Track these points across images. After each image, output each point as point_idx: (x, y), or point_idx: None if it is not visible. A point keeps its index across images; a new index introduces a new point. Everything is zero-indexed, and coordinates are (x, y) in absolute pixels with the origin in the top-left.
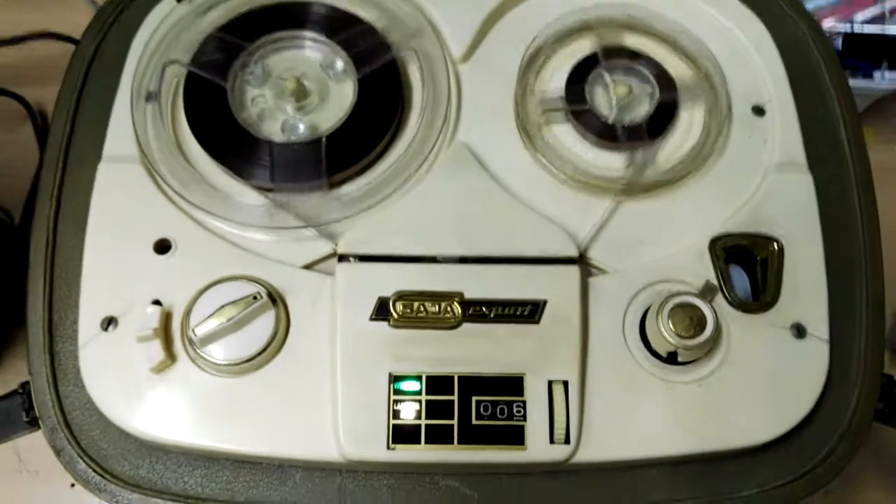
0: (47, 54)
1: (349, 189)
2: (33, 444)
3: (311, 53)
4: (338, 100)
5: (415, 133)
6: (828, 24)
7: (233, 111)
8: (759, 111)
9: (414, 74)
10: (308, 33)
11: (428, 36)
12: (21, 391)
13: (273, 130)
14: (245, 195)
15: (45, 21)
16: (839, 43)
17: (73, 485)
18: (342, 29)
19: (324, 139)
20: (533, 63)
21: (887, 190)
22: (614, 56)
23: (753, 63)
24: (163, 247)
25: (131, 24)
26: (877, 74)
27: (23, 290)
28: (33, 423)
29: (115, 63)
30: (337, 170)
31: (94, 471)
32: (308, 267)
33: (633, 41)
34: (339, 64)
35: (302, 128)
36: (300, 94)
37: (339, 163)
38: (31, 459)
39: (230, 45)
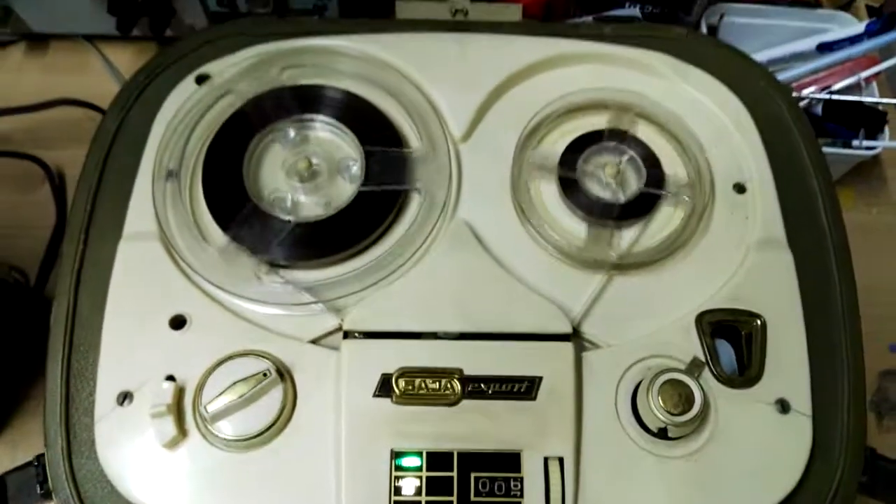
0: (66, 118)
1: (355, 265)
2: None
3: (334, 139)
4: (344, 182)
5: (417, 211)
6: (808, 91)
7: (246, 188)
8: (740, 189)
9: (416, 153)
10: (341, 125)
11: (429, 116)
12: (36, 463)
13: (282, 208)
14: (257, 272)
15: (65, 85)
16: (819, 109)
17: None
18: (372, 132)
19: (332, 217)
20: (529, 141)
21: (868, 250)
22: (587, 143)
23: (734, 141)
24: (178, 322)
25: (153, 102)
26: (855, 142)
27: (36, 351)
28: (47, 496)
29: (137, 141)
30: (343, 247)
31: None
32: (315, 341)
33: (625, 124)
34: (355, 170)
35: (309, 207)
36: (310, 174)
37: (345, 240)
38: None
39: (284, 105)
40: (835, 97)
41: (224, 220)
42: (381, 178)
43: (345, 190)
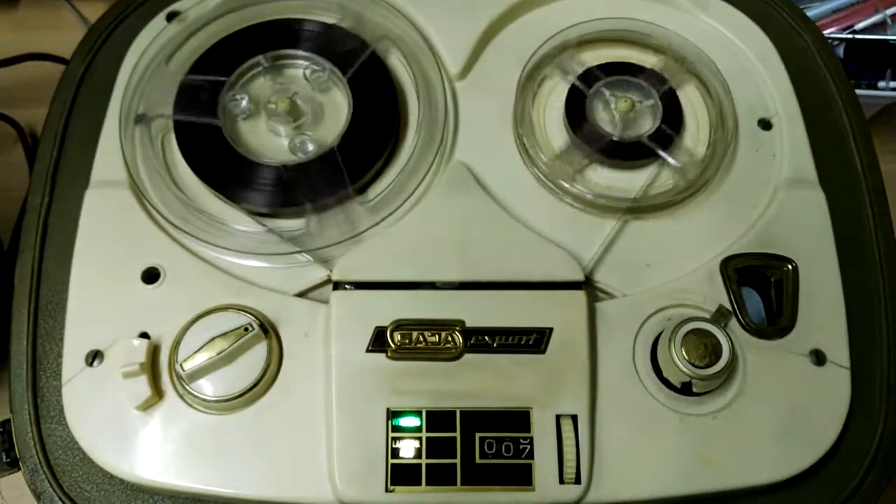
0: (39, 75)
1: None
2: (17, 482)
3: (292, 71)
4: (332, 117)
5: (411, 152)
6: (829, 32)
7: (226, 137)
8: (765, 125)
9: (410, 93)
10: (286, 51)
11: (423, 52)
12: (1, 430)
13: (264, 151)
14: (237, 220)
15: (38, 42)
16: (841, 51)
17: None
18: (312, 39)
19: (318, 159)
20: (532, 79)
21: (893, 201)
22: (620, 71)
23: (758, 76)
24: (151, 276)
25: (121, 45)
26: (881, 83)
27: (8, 319)
28: (13, 464)
29: (104, 85)
30: (331, 192)
31: None
32: (301, 295)
33: (633, 56)
34: (324, 74)
35: (293, 149)
36: (293, 114)
37: (333, 184)
38: (14, 498)
39: (211, 84)
40: (858, 37)
41: (201, 167)
42: (345, 55)
43: (331, 131)
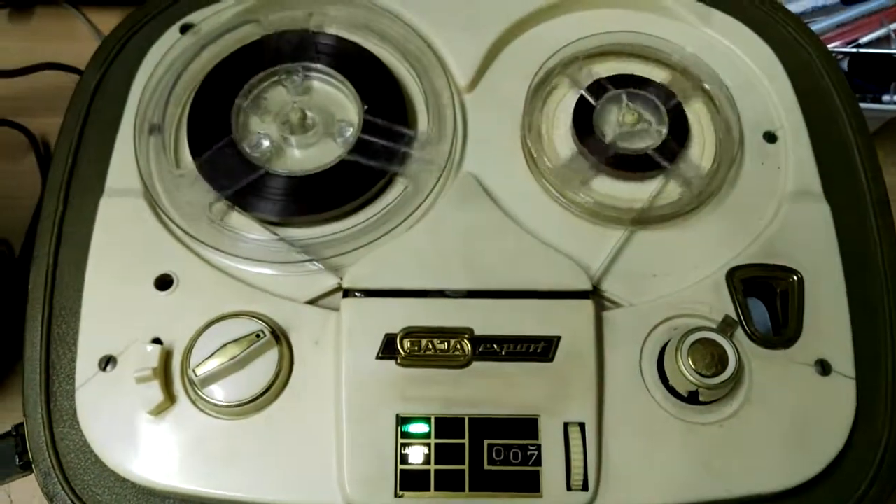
0: (52, 85)
1: (354, 221)
2: (25, 485)
3: (338, 96)
4: (346, 119)
5: (427, 129)
6: (833, 46)
7: (237, 144)
8: (771, 138)
9: (419, 104)
10: (318, 66)
11: (433, 66)
12: (14, 433)
13: (279, 163)
14: (249, 229)
15: (51, 52)
16: (845, 65)
17: None
18: (370, 84)
19: (330, 170)
20: (539, 91)
21: None
22: (628, 84)
23: (763, 89)
24: (164, 282)
25: (135, 55)
26: (885, 96)
27: (22, 324)
28: (26, 467)
29: (118, 95)
30: (343, 201)
31: None
32: (312, 302)
33: (641, 69)
34: (349, 134)
35: (308, 159)
36: (304, 126)
37: (344, 194)
38: (24, 501)
39: (305, 49)
40: (863, 51)
41: (213, 176)
42: (370, 154)
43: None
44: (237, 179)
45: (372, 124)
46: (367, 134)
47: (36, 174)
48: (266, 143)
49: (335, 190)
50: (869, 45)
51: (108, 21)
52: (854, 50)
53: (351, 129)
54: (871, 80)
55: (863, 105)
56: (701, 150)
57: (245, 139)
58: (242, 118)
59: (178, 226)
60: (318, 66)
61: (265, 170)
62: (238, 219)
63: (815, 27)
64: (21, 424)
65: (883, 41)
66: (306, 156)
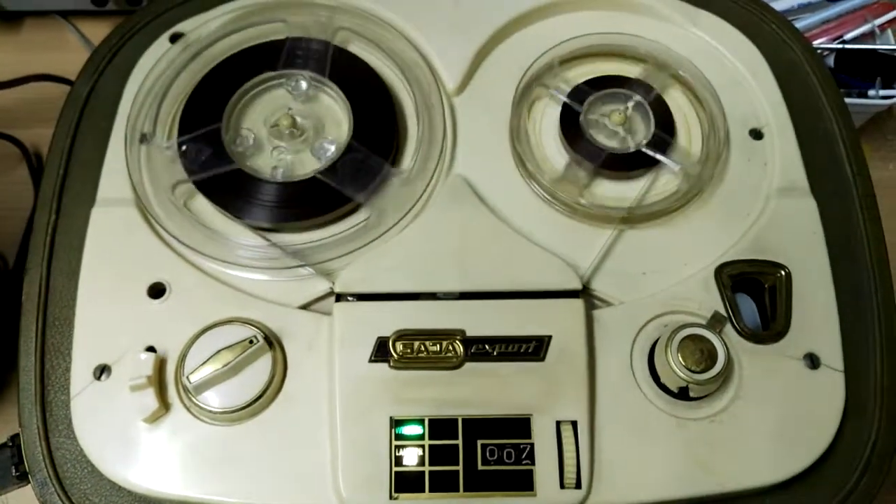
0: (43, 96)
1: (345, 226)
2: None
3: (317, 94)
4: (333, 136)
5: (411, 167)
6: (819, 42)
7: (228, 151)
8: (756, 135)
9: (408, 108)
10: (296, 72)
11: (421, 69)
12: (10, 444)
13: (269, 169)
14: (240, 235)
15: (41, 63)
16: (831, 60)
17: None
18: (360, 91)
19: (319, 176)
20: (523, 101)
21: (885, 205)
22: (607, 85)
23: (749, 87)
24: (157, 291)
25: (125, 65)
26: (871, 91)
27: (16, 336)
28: (22, 478)
29: (109, 105)
30: (332, 207)
31: None
32: (305, 307)
33: (626, 69)
34: (330, 153)
35: (284, 167)
36: (294, 132)
37: (334, 199)
38: None
39: (321, 59)
40: (848, 46)
41: (189, 158)
42: (344, 178)
43: (341, 130)
44: (208, 168)
45: (356, 150)
46: (348, 158)
47: (28, 185)
48: (250, 139)
49: (300, 202)
50: (854, 40)
51: (98, 32)
52: (839, 46)
53: (332, 149)
54: (856, 75)
55: (848, 100)
56: (688, 138)
57: (229, 132)
58: (236, 114)
59: (170, 233)
60: (326, 80)
61: (237, 166)
62: (229, 225)
63: (800, 24)
64: (17, 435)
65: (867, 37)
66: (283, 163)
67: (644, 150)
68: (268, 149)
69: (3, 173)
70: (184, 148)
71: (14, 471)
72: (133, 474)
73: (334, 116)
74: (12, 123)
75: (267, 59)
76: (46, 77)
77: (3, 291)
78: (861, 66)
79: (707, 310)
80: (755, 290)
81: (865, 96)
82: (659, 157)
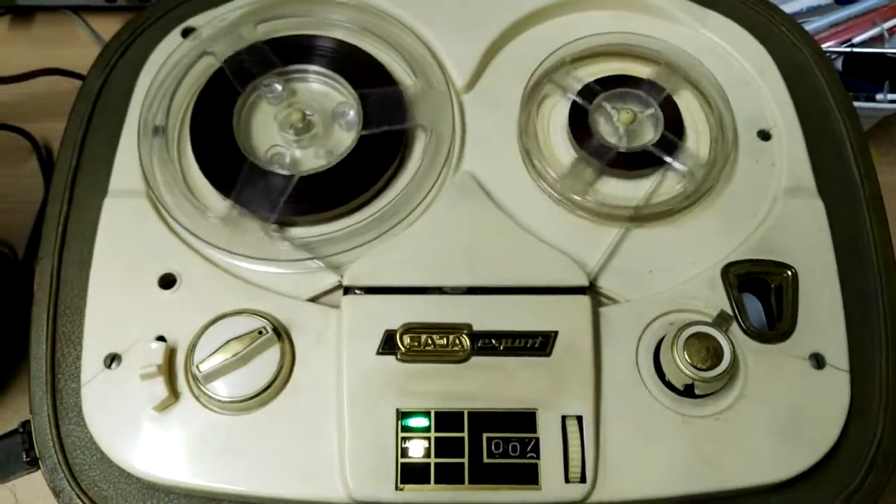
0: (54, 90)
1: (354, 220)
2: (30, 483)
3: (324, 89)
4: (342, 128)
5: (419, 163)
6: (827, 46)
7: (238, 143)
8: (764, 136)
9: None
10: (330, 72)
11: (430, 66)
12: (21, 430)
13: (279, 162)
14: (249, 227)
15: (52, 58)
16: (839, 64)
17: None
18: (363, 76)
19: (329, 171)
20: (536, 92)
21: (892, 209)
22: (617, 84)
23: (757, 88)
24: (167, 281)
25: (137, 59)
26: (878, 95)
27: (26, 325)
28: (33, 464)
29: (121, 98)
30: (342, 201)
31: None
32: (313, 300)
33: (627, 68)
34: (352, 115)
35: (307, 159)
36: (304, 126)
37: (344, 194)
38: (28, 501)
39: (265, 60)
40: (856, 50)
41: (219, 179)
42: (380, 119)
43: (343, 139)
44: (277, 198)
45: (366, 96)
46: (368, 106)
47: (38, 179)
48: (286, 153)
49: (310, 196)
50: (862, 44)
51: (108, 27)
52: (847, 49)
53: (353, 110)
54: (864, 79)
55: (856, 104)
56: (696, 141)
57: (261, 157)
58: (244, 131)
59: (181, 225)
60: (311, 67)
61: (296, 175)
62: (209, 197)
63: (808, 27)
64: (27, 422)
65: (876, 40)
66: (324, 150)
67: (650, 150)
68: (278, 143)
69: (14, 166)
70: (240, 201)
71: (25, 457)
72: (142, 461)
73: (324, 95)
74: (23, 117)
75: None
76: (57, 71)
77: (12, 282)
78: (869, 69)
79: (713, 309)
80: (761, 291)
81: (873, 100)
82: (666, 158)
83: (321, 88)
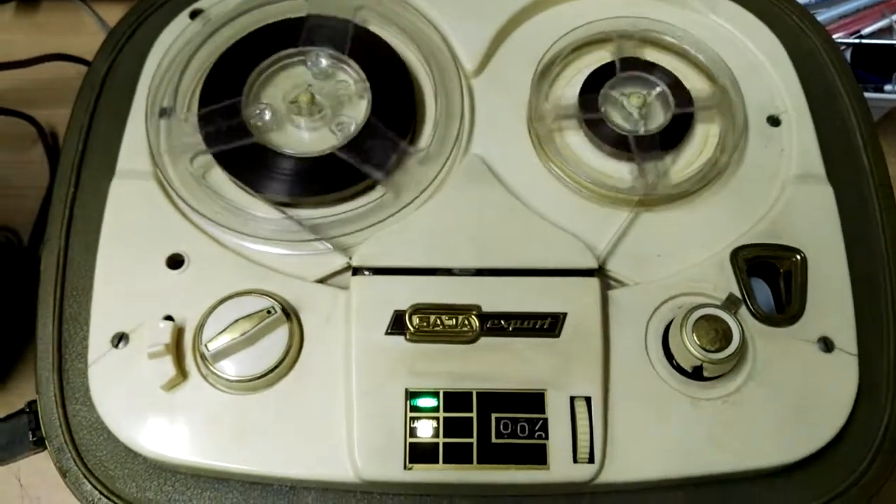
0: (60, 76)
1: (363, 202)
2: (35, 468)
3: (333, 70)
4: (352, 113)
5: (428, 145)
6: (836, 37)
7: (247, 126)
8: (774, 121)
9: (427, 88)
10: (316, 49)
11: (440, 50)
12: (27, 410)
13: (288, 143)
14: (258, 209)
15: (58, 45)
16: (848, 55)
17: None
18: (377, 63)
19: (337, 153)
20: (546, 75)
21: None
22: (629, 67)
23: (767, 75)
24: (175, 262)
25: (144, 43)
26: (887, 87)
27: (32, 309)
28: (39, 444)
29: (128, 82)
30: (351, 183)
31: (101, 492)
32: (322, 281)
33: (647, 54)
34: (350, 129)
35: (303, 142)
36: (313, 108)
37: (352, 176)
38: (32, 485)
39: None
40: (865, 41)
41: (208, 129)
42: (362, 155)
43: (352, 121)
44: (228, 141)
45: (374, 129)
46: (366, 135)
47: (44, 164)
48: (268, 114)
49: (317, 178)
50: (871, 35)
51: (114, 14)
52: (856, 41)
53: (353, 126)
54: (873, 70)
55: (865, 95)
56: (707, 127)
57: (249, 106)
58: (256, 88)
59: (189, 206)
60: (345, 57)
61: (256, 140)
62: (247, 199)
63: (818, 18)
64: (34, 401)
65: (885, 32)
66: (302, 139)
67: (662, 133)
68: (286, 124)
69: (20, 152)
70: (204, 120)
71: (31, 436)
72: (148, 441)
73: (353, 94)
74: (29, 103)
75: (287, 36)
76: (63, 57)
77: (16, 269)
78: (878, 61)
79: (722, 292)
80: (771, 276)
81: (882, 91)
82: (675, 141)
83: (332, 70)
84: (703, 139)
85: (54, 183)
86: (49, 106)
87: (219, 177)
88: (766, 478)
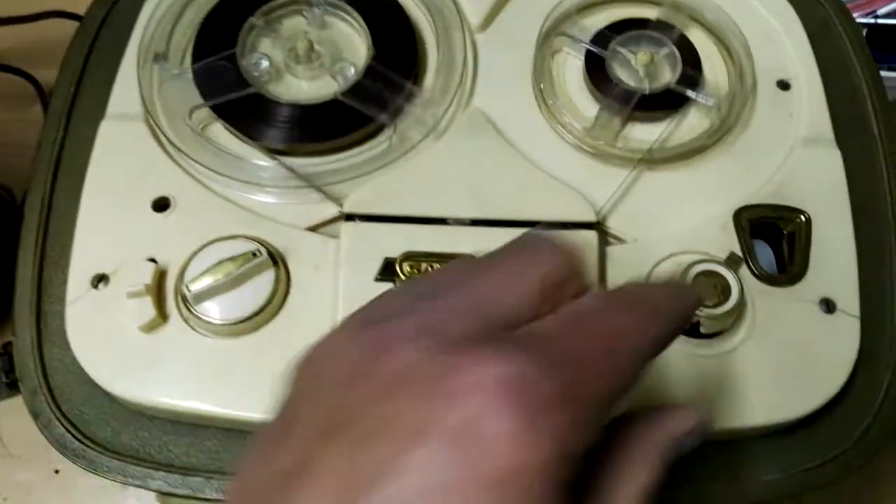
0: (60, 35)
1: (359, 150)
2: (18, 427)
3: (332, 20)
4: (350, 60)
5: (432, 89)
6: None
7: (237, 59)
8: (784, 86)
9: (429, 38)
10: (339, 2)
11: (444, 2)
12: (2, 352)
13: (288, 92)
14: (250, 155)
15: (57, 2)
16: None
17: (57, 471)
18: (379, 14)
19: (336, 100)
20: (550, 35)
21: None
22: (636, 26)
23: (779, 41)
24: (161, 205)
25: None
26: None
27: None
28: (12, 386)
29: (123, 29)
30: (354, 128)
31: (73, 436)
32: (313, 229)
33: (655, 14)
34: (349, 74)
35: (304, 91)
36: (311, 56)
37: (356, 121)
38: (15, 444)
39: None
40: (881, 21)
41: (204, 83)
42: (366, 98)
43: (350, 70)
44: (225, 92)
45: (375, 71)
46: (368, 79)
47: (41, 124)
48: (265, 63)
49: (321, 125)
50: (887, 15)
51: None
52: (872, 21)
53: (353, 70)
54: (889, 51)
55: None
56: (714, 79)
57: (246, 56)
58: (252, 39)
59: (178, 148)
60: (340, 2)
61: (255, 90)
62: (239, 145)
63: None
64: (9, 343)
65: None
66: (303, 87)
67: (674, 88)
68: (286, 74)
69: (17, 111)
70: (199, 73)
71: (4, 377)
72: (126, 385)
73: (352, 42)
74: (28, 62)
75: None
76: (64, 14)
77: (9, 226)
78: (894, 41)
79: (723, 251)
80: (774, 239)
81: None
82: (690, 94)
83: (330, 20)
84: (715, 82)
85: (43, 129)
86: (49, 65)
87: (216, 129)
88: (766, 437)
